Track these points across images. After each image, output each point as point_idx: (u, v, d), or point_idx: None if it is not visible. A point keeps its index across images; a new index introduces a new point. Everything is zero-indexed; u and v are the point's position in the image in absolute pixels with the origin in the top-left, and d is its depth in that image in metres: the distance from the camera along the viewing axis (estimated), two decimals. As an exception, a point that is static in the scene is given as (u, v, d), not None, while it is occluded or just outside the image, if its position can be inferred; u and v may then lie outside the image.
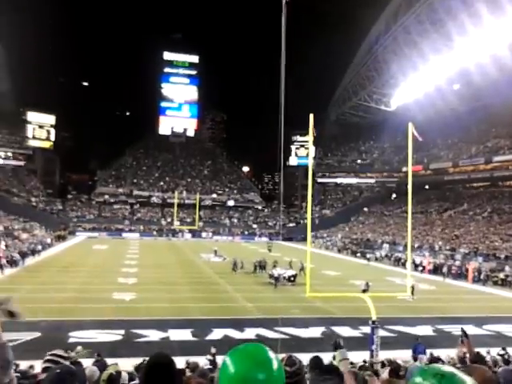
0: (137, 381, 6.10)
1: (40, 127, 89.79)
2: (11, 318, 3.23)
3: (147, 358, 2.71)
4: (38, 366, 7.99)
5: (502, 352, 13.43)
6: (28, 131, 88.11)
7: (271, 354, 1.48)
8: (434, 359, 11.88)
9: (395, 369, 8.50)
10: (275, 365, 1.45)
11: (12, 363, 3.42)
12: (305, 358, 7.43)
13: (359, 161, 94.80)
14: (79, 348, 12.20)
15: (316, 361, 4.51)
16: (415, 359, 13.13)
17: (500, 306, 27.01)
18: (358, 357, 14.34)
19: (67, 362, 3.57)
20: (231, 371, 1.42)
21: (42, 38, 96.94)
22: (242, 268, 36.85)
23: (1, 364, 3.24)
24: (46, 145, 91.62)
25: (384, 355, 14.64)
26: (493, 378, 2.63)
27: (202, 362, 12.74)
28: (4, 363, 3.27)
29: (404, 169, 74.08)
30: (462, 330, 3.16)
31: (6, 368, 3.27)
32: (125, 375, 7.26)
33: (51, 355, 3.75)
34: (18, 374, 9.81)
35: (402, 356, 14.73)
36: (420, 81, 70.09)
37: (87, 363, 10.75)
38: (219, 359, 12.81)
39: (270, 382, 1.41)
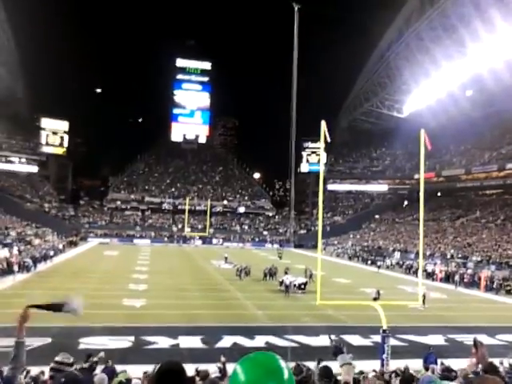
0: None
1: (53, 133, 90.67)
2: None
3: (157, 365, 2.71)
4: (48, 371, 8.00)
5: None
6: (42, 137, 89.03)
7: (282, 363, 1.47)
8: (447, 369, 11.76)
9: (407, 378, 8.42)
10: (286, 374, 1.43)
11: (23, 365, 3.44)
12: (314, 366, 7.40)
13: (371, 168, 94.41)
14: (102, 354, 12.25)
15: (325, 370, 4.48)
16: (427, 369, 12.99)
17: (513, 315, 26.67)
18: (369, 366, 14.22)
19: (71, 369, 3.58)
20: (242, 380, 1.41)
21: (56, 45, 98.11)
22: (247, 275, 36.83)
23: (15, 363, 3.27)
24: (59, 151, 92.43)
25: (395, 364, 14.50)
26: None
27: (212, 369, 12.71)
28: (17, 363, 3.29)
29: (416, 176, 73.61)
30: (475, 340, 3.12)
31: (18, 367, 3.30)
32: (136, 382, 7.26)
33: (55, 363, 3.77)
34: (29, 380, 9.89)
35: (413, 365, 14.59)
36: (432, 87, 69.84)
37: (97, 370, 10.78)
38: (229, 367, 12.78)
39: None
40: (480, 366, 3.11)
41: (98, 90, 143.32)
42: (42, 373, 11.07)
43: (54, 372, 3.72)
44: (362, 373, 11.06)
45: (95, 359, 11.79)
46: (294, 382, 1.49)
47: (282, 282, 30.93)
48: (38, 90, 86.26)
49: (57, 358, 3.83)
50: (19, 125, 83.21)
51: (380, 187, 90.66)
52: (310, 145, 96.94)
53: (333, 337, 16.00)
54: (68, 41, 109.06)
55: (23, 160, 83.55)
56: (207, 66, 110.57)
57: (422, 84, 71.02)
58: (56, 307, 3.56)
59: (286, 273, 33.95)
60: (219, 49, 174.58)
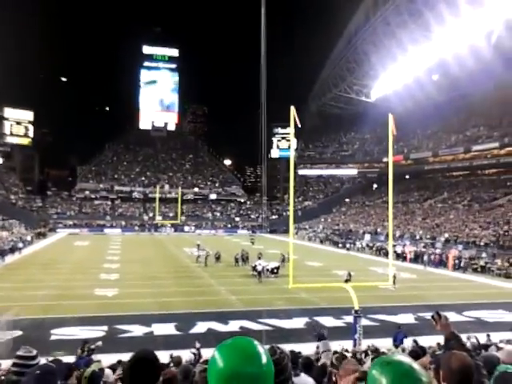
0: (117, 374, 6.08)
1: (18, 123, 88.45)
2: None
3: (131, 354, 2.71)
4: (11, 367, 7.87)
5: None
6: (5, 128, 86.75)
7: (260, 348, 1.45)
8: (417, 347, 12.02)
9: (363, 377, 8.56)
10: (264, 359, 1.42)
11: None
12: (288, 348, 7.48)
13: (340, 152, 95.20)
14: (99, 343, 12.17)
15: (292, 356, 4.54)
16: (396, 347, 13.30)
17: (480, 292, 27.47)
18: (341, 346, 14.47)
19: (35, 362, 3.54)
20: (220, 366, 1.39)
21: (19, 34, 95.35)
22: (217, 260, 37.29)
23: None
24: (25, 141, 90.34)
25: (367, 344, 14.80)
26: (471, 363, 2.65)
27: (187, 355, 12.74)
28: None
29: (385, 159, 74.63)
30: (433, 313, 3.21)
31: None
32: (108, 372, 7.21)
33: (18, 357, 3.71)
34: (2, 372, 9.74)
35: (385, 344, 14.92)
36: (399, 72, 70.68)
37: (71, 360, 10.67)
38: (204, 352, 12.83)
39: (259, 376, 1.39)
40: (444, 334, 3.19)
41: (63, 79, 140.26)
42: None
43: (18, 367, 3.66)
44: (336, 352, 11.24)
45: (92, 347, 11.72)
46: (273, 367, 1.48)
47: (254, 268, 31.10)
48: (0, 79, 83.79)
49: (18, 353, 3.77)
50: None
51: (350, 171, 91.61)
52: (280, 130, 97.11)
53: (315, 323, 16.24)
54: (31, 28, 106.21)
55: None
56: (175, 52, 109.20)
57: (389, 69, 71.78)
58: None
59: (259, 258, 34.10)
60: (186, 35, 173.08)
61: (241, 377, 1.37)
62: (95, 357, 11.14)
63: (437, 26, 57.37)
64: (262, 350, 1.46)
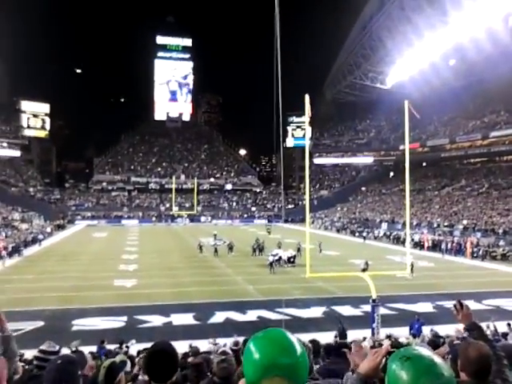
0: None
1: (34, 116, 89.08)
2: None
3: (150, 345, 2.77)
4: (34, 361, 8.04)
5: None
6: (22, 121, 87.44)
7: (294, 339, 1.48)
8: (435, 336, 12.00)
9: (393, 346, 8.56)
10: (299, 349, 1.45)
11: (17, 354, 3.46)
12: (306, 337, 7.52)
13: (356, 140, 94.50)
14: (133, 341, 12.50)
15: (313, 345, 4.57)
16: (414, 336, 13.24)
17: (499, 280, 27.19)
18: (360, 335, 14.47)
19: (54, 357, 3.60)
20: (256, 357, 1.42)
21: (34, 26, 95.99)
22: (230, 250, 37.25)
23: (8, 355, 3.28)
24: (42, 134, 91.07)
25: (385, 333, 14.79)
26: (489, 353, 2.64)
27: (205, 345, 12.86)
28: (10, 354, 3.30)
29: (401, 147, 73.91)
30: (455, 302, 3.19)
31: (12, 358, 3.31)
32: (129, 363, 7.32)
33: (40, 352, 3.78)
34: (24, 364, 9.94)
35: (403, 333, 14.90)
36: (415, 57, 69.68)
37: (92, 350, 10.86)
38: (221, 341, 12.95)
39: (295, 366, 1.42)
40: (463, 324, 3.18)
41: (78, 71, 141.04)
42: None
43: (39, 361, 3.74)
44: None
45: (128, 344, 12.12)
46: (307, 357, 1.50)
47: (274, 256, 31.01)
48: (17, 72, 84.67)
49: (42, 347, 3.84)
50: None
51: (366, 159, 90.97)
52: (295, 119, 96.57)
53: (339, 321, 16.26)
54: (46, 21, 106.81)
55: (4, 144, 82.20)
56: (188, 42, 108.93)
57: (405, 55, 70.80)
58: None
59: (279, 247, 34.07)
60: (200, 25, 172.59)
61: (278, 366, 1.40)
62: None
63: (453, 10, 56.37)
64: (296, 340, 1.49)
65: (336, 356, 4.17)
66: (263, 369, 1.41)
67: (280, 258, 31.13)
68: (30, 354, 10.98)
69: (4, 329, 3.37)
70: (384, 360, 1.89)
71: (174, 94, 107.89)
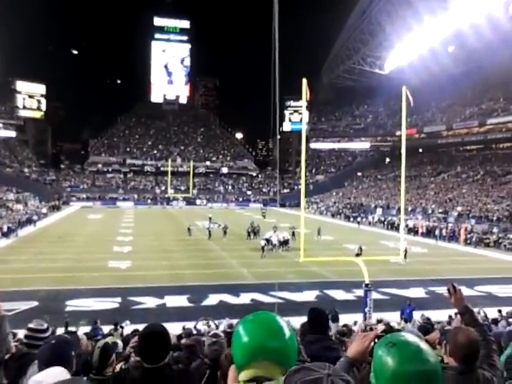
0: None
1: (30, 97, 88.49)
2: None
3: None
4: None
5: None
6: (18, 101, 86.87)
7: (283, 322, 1.48)
8: (427, 322, 12.09)
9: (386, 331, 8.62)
10: (287, 333, 1.45)
11: (9, 335, 3.46)
12: (299, 321, 7.56)
13: (353, 125, 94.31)
14: (127, 321, 12.67)
15: (305, 327, 4.58)
16: (406, 321, 13.37)
17: (491, 267, 27.41)
18: (352, 319, 14.62)
19: (46, 335, 3.62)
20: (245, 341, 1.42)
21: (30, 6, 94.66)
22: (224, 234, 37.12)
23: (1, 336, 3.28)
24: (37, 115, 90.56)
25: (376, 317, 14.92)
26: (477, 338, 2.67)
27: (200, 327, 12.93)
28: (3, 334, 3.31)
29: (398, 133, 73.88)
30: (448, 285, 3.20)
31: (4, 340, 3.31)
32: (120, 345, 7.37)
33: (29, 330, 3.79)
34: (17, 344, 10.00)
35: (395, 318, 15.05)
36: (414, 43, 69.26)
37: (86, 330, 10.91)
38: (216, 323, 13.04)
39: (283, 350, 1.42)
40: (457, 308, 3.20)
41: (75, 52, 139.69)
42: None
43: (28, 339, 3.75)
44: (345, 326, 11.35)
45: (123, 325, 12.24)
46: (296, 340, 1.51)
47: (268, 240, 31.07)
48: (12, 52, 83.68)
49: (30, 325, 3.85)
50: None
51: (362, 145, 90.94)
52: (292, 103, 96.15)
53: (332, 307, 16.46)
54: (43, 2, 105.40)
55: (0, 125, 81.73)
56: (186, 24, 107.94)
57: (404, 40, 70.35)
58: None
59: (274, 231, 34.13)
60: (198, 7, 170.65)
61: (266, 350, 1.40)
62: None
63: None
64: (285, 324, 1.49)
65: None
66: (251, 352, 1.41)
67: (271, 242, 31.25)
68: (23, 333, 11.08)
69: None
70: (372, 344, 1.90)
71: (170, 76, 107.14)
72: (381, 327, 9.56)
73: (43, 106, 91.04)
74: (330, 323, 6.46)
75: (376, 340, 1.88)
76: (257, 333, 1.43)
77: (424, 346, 1.43)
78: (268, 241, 30.97)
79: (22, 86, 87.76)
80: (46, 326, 3.86)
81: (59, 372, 2.27)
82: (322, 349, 2.37)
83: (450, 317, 12.20)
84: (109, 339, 6.35)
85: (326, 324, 3.94)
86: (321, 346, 3.27)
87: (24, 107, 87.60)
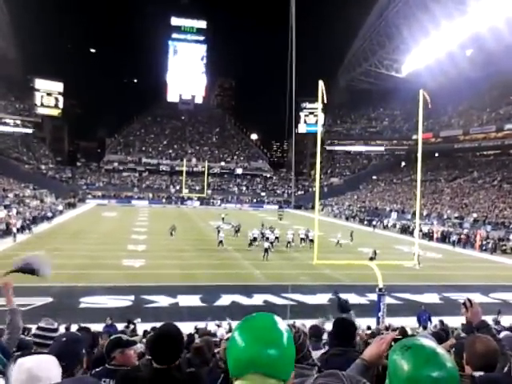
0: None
1: (48, 95, 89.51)
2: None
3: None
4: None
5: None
6: (36, 99, 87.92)
7: (281, 326, 1.42)
8: (441, 329, 11.97)
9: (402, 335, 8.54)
10: (285, 339, 1.39)
11: (20, 329, 3.49)
12: (311, 324, 7.51)
13: (369, 128, 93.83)
14: (138, 319, 12.74)
15: (315, 329, 4.58)
16: (425, 328, 13.23)
17: (507, 274, 27.01)
18: (365, 323, 14.52)
19: (55, 335, 3.64)
20: (237, 351, 1.37)
21: (50, 5, 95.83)
22: (236, 232, 37.86)
23: (11, 327, 3.32)
24: (55, 112, 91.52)
25: (390, 322, 14.80)
26: (496, 347, 2.63)
27: (211, 327, 12.97)
28: (15, 329, 3.34)
29: (414, 136, 73.34)
30: (465, 300, 3.14)
31: (16, 333, 3.35)
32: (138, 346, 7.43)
33: (39, 329, 3.82)
34: (30, 338, 10.10)
35: (409, 323, 14.91)
36: (432, 46, 68.73)
37: (98, 328, 11.00)
38: (226, 324, 13.06)
39: (277, 361, 1.36)
40: (473, 324, 3.14)
41: (92, 50, 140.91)
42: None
43: (38, 338, 3.77)
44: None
45: (135, 321, 12.34)
46: (294, 346, 1.45)
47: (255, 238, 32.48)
48: (31, 50, 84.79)
49: (40, 324, 3.88)
50: (12, 86, 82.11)
51: (378, 148, 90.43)
52: (308, 105, 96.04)
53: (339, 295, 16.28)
54: (61, 0, 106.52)
55: (18, 122, 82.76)
56: (203, 24, 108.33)
57: (421, 43, 69.86)
58: (29, 270, 3.63)
59: (272, 231, 34.27)
60: (215, 7, 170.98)
61: (257, 363, 1.34)
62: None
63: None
64: (284, 327, 1.43)
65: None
66: (242, 365, 1.36)
67: (255, 238, 32.43)
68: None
69: (10, 303, 3.40)
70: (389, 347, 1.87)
71: (186, 76, 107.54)
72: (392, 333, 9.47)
73: (60, 104, 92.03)
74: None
75: (393, 343, 1.86)
76: (249, 344, 1.36)
77: (440, 350, 1.40)
78: (255, 238, 32.48)
79: (40, 83, 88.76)
80: (56, 325, 3.89)
81: (46, 359, 2.24)
82: (347, 362, 2.33)
83: (463, 324, 12.05)
84: (125, 337, 6.41)
85: (353, 335, 3.87)
86: (346, 358, 3.22)
87: (42, 105, 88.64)
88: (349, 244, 36.04)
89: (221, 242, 32.20)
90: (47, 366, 2.07)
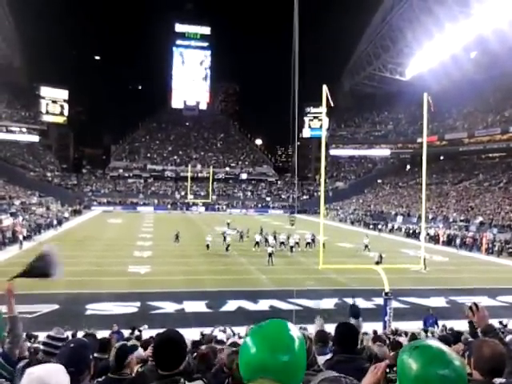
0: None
1: (53, 102, 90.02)
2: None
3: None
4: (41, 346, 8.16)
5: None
6: (42, 106, 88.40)
7: (293, 332, 1.44)
8: (449, 333, 11.91)
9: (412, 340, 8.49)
10: (297, 344, 1.41)
11: (21, 336, 3.51)
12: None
13: (373, 132, 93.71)
14: (145, 326, 12.75)
15: (321, 334, 4.56)
16: (426, 331, 13.15)
17: (514, 277, 26.89)
18: (371, 327, 14.46)
19: (62, 343, 3.66)
20: (253, 353, 1.39)
21: (54, 12, 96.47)
22: (241, 237, 37.94)
23: (12, 335, 3.32)
24: (60, 120, 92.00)
25: (397, 326, 14.73)
26: (503, 351, 2.60)
27: (216, 333, 12.94)
28: (16, 337, 3.35)
29: (419, 140, 73.13)
30: (471, 304, 3.12)
31: (18, 342, 3.36)
32: (139, 350, 7.43)
33: (49, 338, 3.83)
34: (37, 345, 10.11)
35: (415, 327, 14.83)
36: (435, 49, 68.65)
37: (104, 334, 10.99)
38: (234, 330, 13.03)
39: (288, 367, 1.38)
40: (479, 328, 3.12)
41: (97, 58, 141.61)
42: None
43: (47, 347, 3.78)
44: (365, 334, 11.21)
45: (141, 328, 12.33)
46: (305, 352, 1.47)
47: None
48: (36, 58, 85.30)
49: (50, 333, 3.89)
50: (18, 94, 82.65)
51: (382, 152, 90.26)
52: (312, 110, 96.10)
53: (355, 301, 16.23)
54: (66, 8, 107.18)
55: (24, 129, 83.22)
56: (207, 30, 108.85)
57: (425, 46, 69.81)
58: (40, 273, 3.63)
59: (274, 237, 34.28)
60: (219, 13, 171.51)
61: (268, 369, 1.36)
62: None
63: (476, 1, 55.33)
64: (296, 334, 1.44)
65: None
66: (254, 370, 1.38)
67: (257, 243, 33.10)
68: (44, 336, 11.24)
69: (11, 310, 3.41)
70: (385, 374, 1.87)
71: (191, 82, 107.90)
72: (403, 339, 9.44)
73: (66, 111, 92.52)
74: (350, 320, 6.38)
75: (387, 370, 1.87)
76: (261, 349, 1.38)
77: (447, 349, 1.41)
78: (258, 243, 33.27)
79: (45, 91, 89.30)
80: (65, 335, 3.90)
81: (54, 368, 2.26)
82: (355, 370, 2.31)
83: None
84: (129, 342, 6.40)
85: (356, 340, 3.85)
86: (353, 366, 3.19)
87: (47, 112, 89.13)
88: (346, 247, 35.96)
89: (228, 246, 32.90)
90: (57, 374, 2.09)
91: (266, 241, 33.85)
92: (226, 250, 32.45)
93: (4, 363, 2.72)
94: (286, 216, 63.49)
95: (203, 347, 7.78)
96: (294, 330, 1.46)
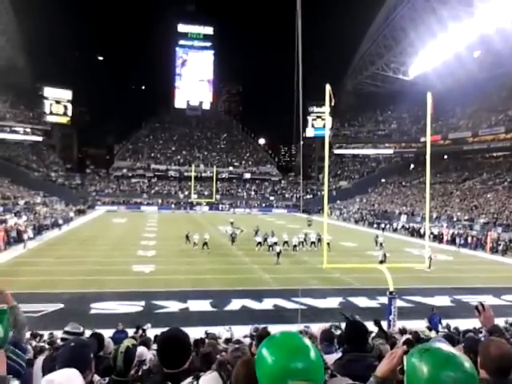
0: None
1: (57, 102, 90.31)
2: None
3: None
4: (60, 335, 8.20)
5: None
6: (45, 107, 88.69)
7: (307, 342, 1.46)
8: (453, 333, 11.89)
9: (415, 339, 8.49)
10: (313, 352, 1.43)
11: (25, 324, 3.54)
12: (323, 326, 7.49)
13: (377, 131, 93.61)
14: (149, 324, 12.74)
15: (327, 334, 4.57)
16: (436, 331, 13.12)
17: (519, 276, 26.83)
18: (375, 328, 14.43)
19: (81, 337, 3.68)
20: (269, 362, 1.40)
21: (57, 13, 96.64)
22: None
23: (18, 326, 3.36)
24: (64, 120, 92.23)
25: (401, 325, 14.72)
26: (510, 350, 2.60)
27: (221, 332, 12.96)
28: (20, 325, 3.38)
29: (422, 139, 73.09)
30: (477, 304, 3.13)
31: (23, 329, 3.39)
32: (141, 349, 7.46)
33: (65, 333, 3.86)
34: (43, 344, 10.17)
35: (420, 326, 14.81)
36: (439, 48, 68.45)
37: (108, 334, 11.02)
38: (237, 329, 13.07)
39: (310, 369, 1.40)
40: (485, 328, 3.12)
41: (100, 58, 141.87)
42: (51, 335, 11.64)
43: (64, 342, 3.82)
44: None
45: (145, 327, 12.35)
46: (322, 359, 1.49)
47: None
48: (40, 59, 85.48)
49: (66, 328, 3.92)
50: (22, 95, 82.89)
51: (386, 151, 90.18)
52: (315, 109, 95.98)
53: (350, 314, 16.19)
54: (69, 8, 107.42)
55: (28, 130, 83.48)
56: (209, 30, 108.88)
57: (429, 45, 69.61)
58: None
59: (273, 235, 34.16)
60: (221, 13, 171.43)
61: (292, 372, 1.37)
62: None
63: (479, 0, 55.13)
64: (309, 343, 1.47)
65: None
66: (277, 379, 1.38)
67: (259, 243, 33.28)
68: (55, 334, 11.35)
69: (9, 302, 3.43)
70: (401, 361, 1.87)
71: (194, 82, 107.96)
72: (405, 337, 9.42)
73: (69, 112, 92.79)
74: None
75: (404, 357, 1.87)
76: (282, 353, 1.39)
77: (457, 352, 1.42)
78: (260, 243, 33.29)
79: (49, 91, 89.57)
80: (81, 329, 3.93)
81: (72, 373, 2.30)
82: (366, 368, 2.32)
83: (475, 328, 11.96)
84: (127, 341, 6.41)
85: (366, 339, 3.84)
86: (364, 365, 3.18)
87: (51, 113, 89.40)
88: (350, 246, 35.94)
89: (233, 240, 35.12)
90: (74, 379, 2.12)
91: (265, 240, 34.04)
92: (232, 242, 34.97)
93: (18, 351, 2.75)
94: (304, 217, 63.30)
95: (206, 342, 7.81)
96: (307, 339, 1.49)
